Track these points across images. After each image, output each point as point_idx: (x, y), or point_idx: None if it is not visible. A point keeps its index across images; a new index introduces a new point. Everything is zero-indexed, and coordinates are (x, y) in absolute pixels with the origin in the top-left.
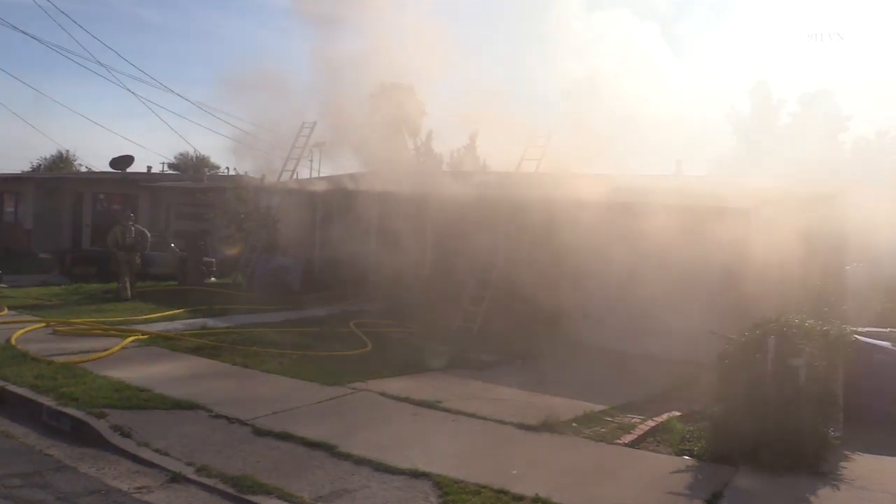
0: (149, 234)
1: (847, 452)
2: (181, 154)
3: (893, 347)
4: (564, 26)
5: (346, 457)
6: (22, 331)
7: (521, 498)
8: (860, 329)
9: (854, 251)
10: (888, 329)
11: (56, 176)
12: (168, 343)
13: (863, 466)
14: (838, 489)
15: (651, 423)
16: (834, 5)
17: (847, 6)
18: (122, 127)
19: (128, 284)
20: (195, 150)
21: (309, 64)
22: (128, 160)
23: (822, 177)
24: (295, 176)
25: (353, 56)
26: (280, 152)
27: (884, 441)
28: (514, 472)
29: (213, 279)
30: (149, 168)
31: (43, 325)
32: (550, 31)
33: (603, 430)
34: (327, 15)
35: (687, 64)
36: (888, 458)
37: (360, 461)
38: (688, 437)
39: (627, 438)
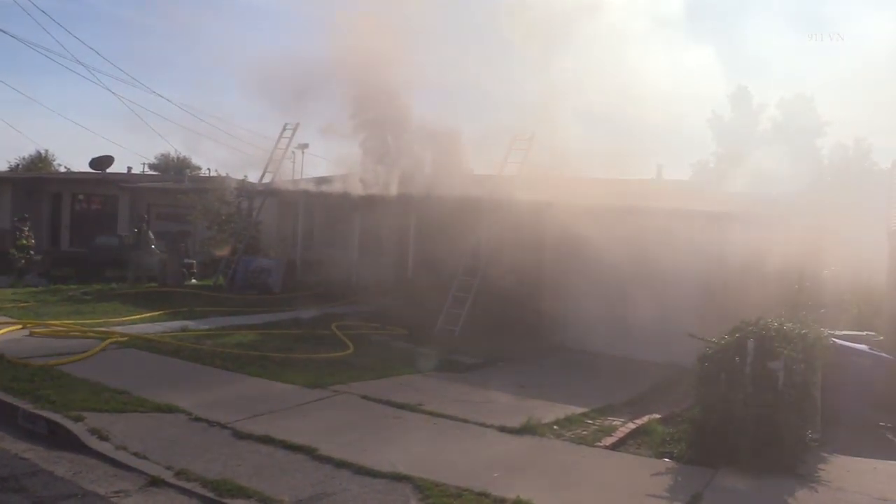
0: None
1: (825, 454)
2: (162, 155)
3: (870, 350)
4: (549, 30)
5: (327, 460)
6: None
7: (502, 500)
8: (837, 332)
9: (831, 256)
10: (865, 332)
11: (34, 176)
12: (147, 345)
13: (840, 468)
14: (816, 491)
15: (632, 426)
16: (816, 10)
17: (822, 14)
18: (103, 127)
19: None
20: (176, 151)
21: (294, 64)
22: (108, 160)
23: (801, 182)
24: (277, 177)
25: (339, 57)
26: (262, 153)
27: (861, 443)
28: (496, 475)
29: (193, 281)
30: (129, 169)
31: (19, 326)
32: (536, 33)
33: (584, 432)
34: (313, 16)
35: (668, 67)
36: (865, 459)
37: (340, 464)
38: (668, 439)
39: (608, 441)
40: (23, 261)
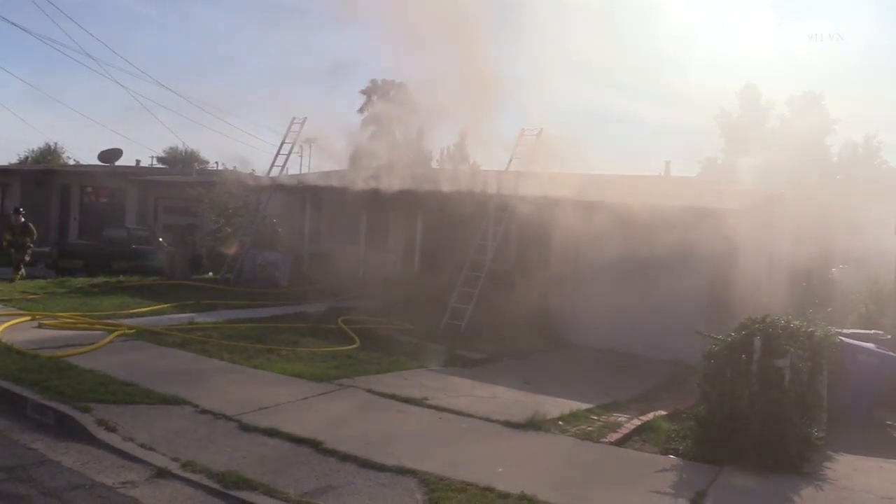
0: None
1: (830, 452)
2: (171, 148)
3: (877, 349)
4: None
5: (332, 453)
6: (7, 324)
7: (506, 495)
8: (845, 330)
9: (839, 253)
10: (872, 331)
11: (44, 168)
12: (155, 338)
13: (846, 466)
14: (822, 489)
15: (637, 422)
16: (821, 7)
17: (829, 10)
18: (112, 120)
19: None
20: (185, 144)
21: (301, 59)
22: (116, 153)
23: (810, 180)
24: (285, 171)
25: (346, 52)
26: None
27: (867, 441)
28: (500, 469)
29: (210, 274)
30: (137, 161)
31: (28, 318)
32: (542, 29)
33: (589, 428)
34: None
35: (676, 65)
36: (871, 458)
37: (345, 457)
38: (673, 436)
39: (613, 437)
40: (14, 253)
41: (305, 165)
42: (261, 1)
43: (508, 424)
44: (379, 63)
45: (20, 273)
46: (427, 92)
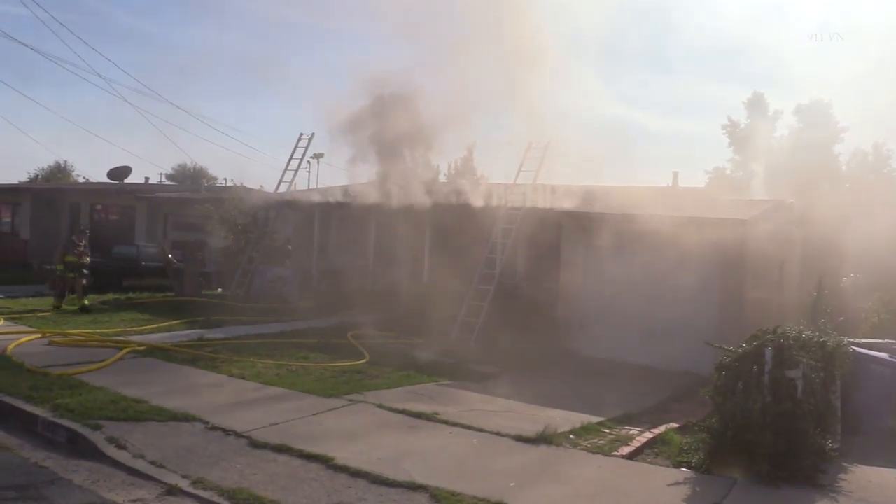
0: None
1: (845, 464)
2: (179, 165)
3: (891, 358)
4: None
5: (343, 469)
6: (18, 342)
7: None
8: (857, 340)
9: (851, 262)
10: (885, 340)
11: (53, 186)
12: (164, 354)
13: (861, 478)
14: (837, 501)
15: (649, 435)
16: (832, 12)
17: (841, 13)
18: (121, 138)
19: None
20: (193, 161)
21: (307, 73)
22: (125, 171)
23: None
24: (293, 187)
25: (352, 66)
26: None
27: (882, 452)
28: (512, 484)
29: (220, 290)
30: (146, 179)
31: (39, 335)
32: (549, 39)
33: (601, 442)
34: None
35: (683, 74)
36: (887, 469)
37: (356, 474)
38: (686, 449)
39: (625, 450)
40: (73, 278)
41: (314, 181)
42: (266, 17)
43: (520, 438)
44: (385, 76)
45: (86, 298)
46: (434, 104)
